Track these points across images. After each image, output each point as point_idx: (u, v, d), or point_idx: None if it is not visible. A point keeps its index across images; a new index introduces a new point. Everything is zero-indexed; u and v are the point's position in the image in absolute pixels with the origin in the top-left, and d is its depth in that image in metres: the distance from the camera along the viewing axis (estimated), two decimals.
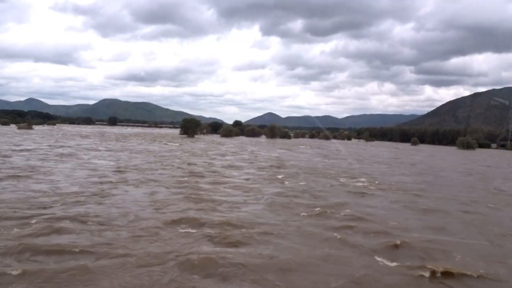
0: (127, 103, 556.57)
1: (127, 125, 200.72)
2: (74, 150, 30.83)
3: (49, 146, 34.29)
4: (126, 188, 13.98)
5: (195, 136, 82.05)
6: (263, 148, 47.99)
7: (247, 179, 18.03)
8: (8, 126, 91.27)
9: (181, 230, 8.78)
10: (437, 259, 7.57)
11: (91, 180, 15.46)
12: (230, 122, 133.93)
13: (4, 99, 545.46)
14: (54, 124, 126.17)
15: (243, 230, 9.01)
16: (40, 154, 25.45)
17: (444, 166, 34.60)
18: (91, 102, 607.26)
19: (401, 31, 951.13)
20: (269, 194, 14.27)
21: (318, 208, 11.77)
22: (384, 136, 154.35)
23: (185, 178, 17.11)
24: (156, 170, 19.90)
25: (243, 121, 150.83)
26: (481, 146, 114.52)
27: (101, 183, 14.82)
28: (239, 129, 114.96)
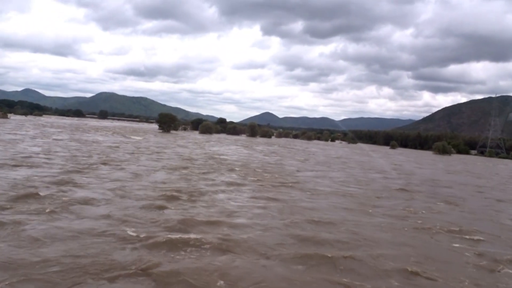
0: (124, 97, 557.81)
1: (118, 119, 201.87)
2: (20, 137, 32.22)
3: None
4: (10, 168, 15.41)
5: (173, 131, 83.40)
6: (223, 145, 49.40)
7: (148, 167, 19.46)
8: None
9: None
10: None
11: None
12: (227, 120, 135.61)
13: (1, 89, 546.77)
14: (40, 115, 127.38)
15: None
16: None
17: (363, 163, 36.01)
18: (88, 95, 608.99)
19: (400, 37, 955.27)
20: (151, 180, 15.72)
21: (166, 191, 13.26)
22: (370, 139, 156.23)
23: (85, 164, 18.51)
24: (64, 156, 21.28)
25: (240, 120, 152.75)
26: (460, 152, 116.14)
27: None
28: (222, 126, 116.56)
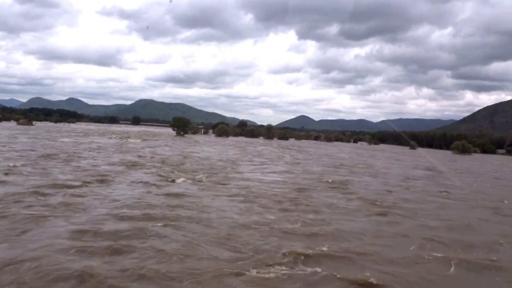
0: (162, 103, 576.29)
1: (150, 125, 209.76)
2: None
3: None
4: None
5: (189, 135, 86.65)
6: (213, 145, 51.97)
7: (102, 162, 22.33)
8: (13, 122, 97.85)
9: None
10: None
11: None
12: (263, 123, 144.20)
13: (48, 98, 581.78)
14: (73, 122, 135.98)
15: None
16: None
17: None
18: (129, 103, 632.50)
19: (439, 36, 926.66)
20: (88, 170, 18.52)
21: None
22: (395, 140, 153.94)
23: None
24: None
25: (277, 123, 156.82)
26: (485, 151, 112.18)
27: None
28: (242, 129, 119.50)
